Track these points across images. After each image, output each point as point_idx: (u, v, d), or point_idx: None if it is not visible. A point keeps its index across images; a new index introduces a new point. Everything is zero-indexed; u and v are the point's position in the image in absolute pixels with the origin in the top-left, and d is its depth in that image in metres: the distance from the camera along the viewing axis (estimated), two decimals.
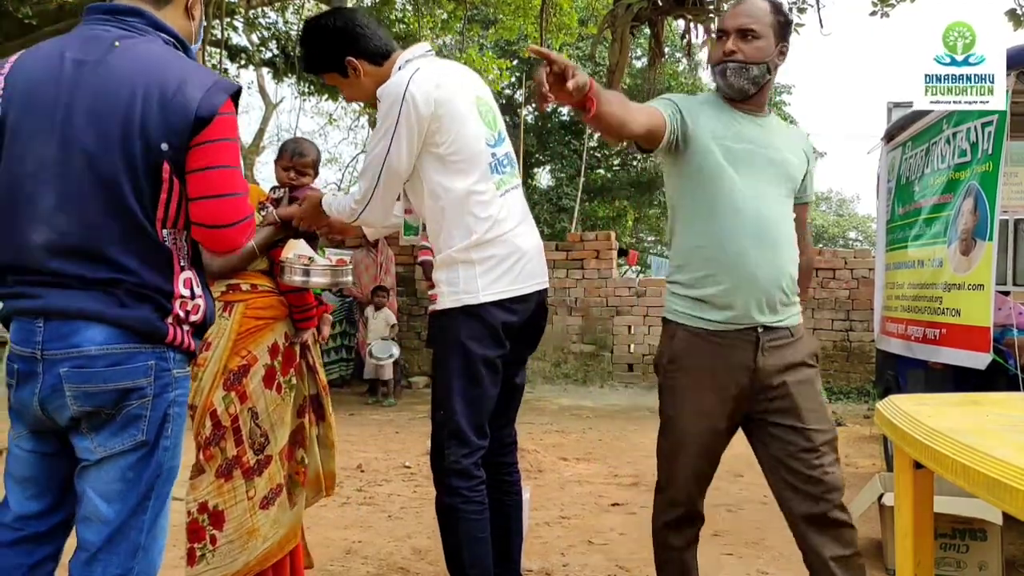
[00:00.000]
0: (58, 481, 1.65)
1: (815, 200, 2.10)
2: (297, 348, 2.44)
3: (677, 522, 2.17)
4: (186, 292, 1.61)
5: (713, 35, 7.80)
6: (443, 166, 2.11)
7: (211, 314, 1.71)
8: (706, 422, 2.09)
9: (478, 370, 2.15)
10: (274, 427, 2.31)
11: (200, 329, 1.69)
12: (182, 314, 1.61)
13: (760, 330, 2.02)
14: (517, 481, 2.46)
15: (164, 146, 1.52)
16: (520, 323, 2.22)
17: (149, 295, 1.55)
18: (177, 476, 1.72)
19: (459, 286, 2.13)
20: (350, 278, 2.50)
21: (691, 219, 2.09)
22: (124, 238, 1.53)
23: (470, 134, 2.13)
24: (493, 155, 2.18)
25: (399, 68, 2.15)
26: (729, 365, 2.03)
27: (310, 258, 2.29)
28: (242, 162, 1.59)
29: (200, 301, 1.65)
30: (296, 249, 2.29)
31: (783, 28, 2.07)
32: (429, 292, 6.82)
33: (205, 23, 2.22)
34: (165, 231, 1.58)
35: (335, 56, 2.17)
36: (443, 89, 2.08)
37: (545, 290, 2.32)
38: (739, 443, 2.18)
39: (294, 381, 2.40)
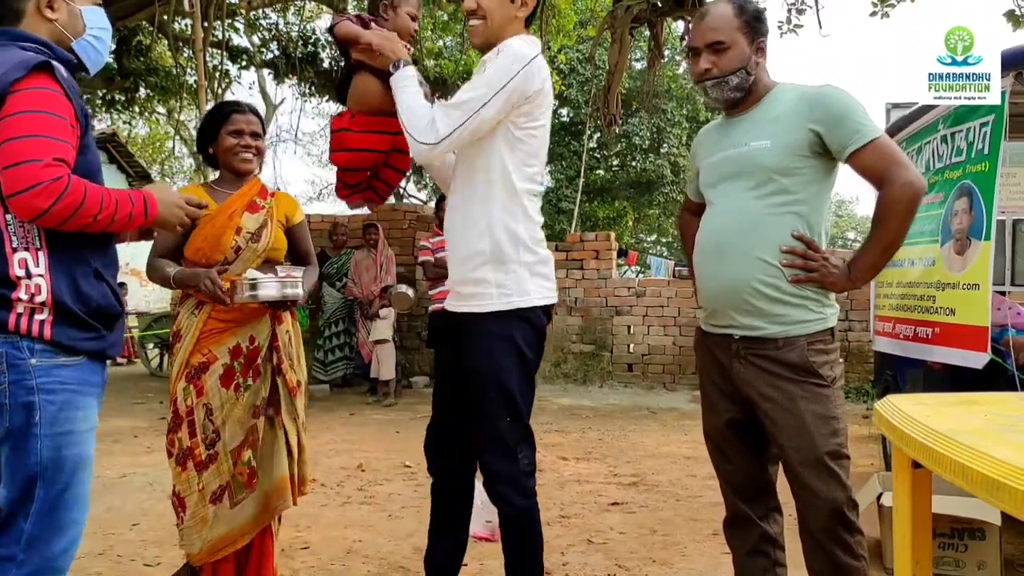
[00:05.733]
0: None
1: None
2: (264, 350, 2.46)
3: (729, 522, 2.23)
4: (20, 272, 1.65)
5: None
6: (510, 149, 2.06)
7: (78, 297, 1.71)
8: (711, 417, 2.18)
9: (531, 373, 2.20)
10: (226, 424, 2.38)
11: (67, 314, 1.69)
12: (26, 297, 1.65)
13: (736, 337, 2.03)
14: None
15: None
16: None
17: None
18: (86, 467, 1.75)
19: (511, 287, 2.08)
20: (300, 291, 2.39)
21: None
22: None
23: (546, 130, 2.15)
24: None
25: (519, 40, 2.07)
26: (714, 364, 2.13)
27: (254, 279, 2.31)
28: (58, 129, 1.62)
29: (40, 281, 1.66)
30: (248, 273, 2.34)
31: (753, 24, 2.01)
32: (431, 292, 6.72)
33: (206, 23, 2.24)
34: (9, 216, 1.64)
35: None
36: (548, 82, 2.12)
37: None
38: None
39: (251, 383, 2.44)
